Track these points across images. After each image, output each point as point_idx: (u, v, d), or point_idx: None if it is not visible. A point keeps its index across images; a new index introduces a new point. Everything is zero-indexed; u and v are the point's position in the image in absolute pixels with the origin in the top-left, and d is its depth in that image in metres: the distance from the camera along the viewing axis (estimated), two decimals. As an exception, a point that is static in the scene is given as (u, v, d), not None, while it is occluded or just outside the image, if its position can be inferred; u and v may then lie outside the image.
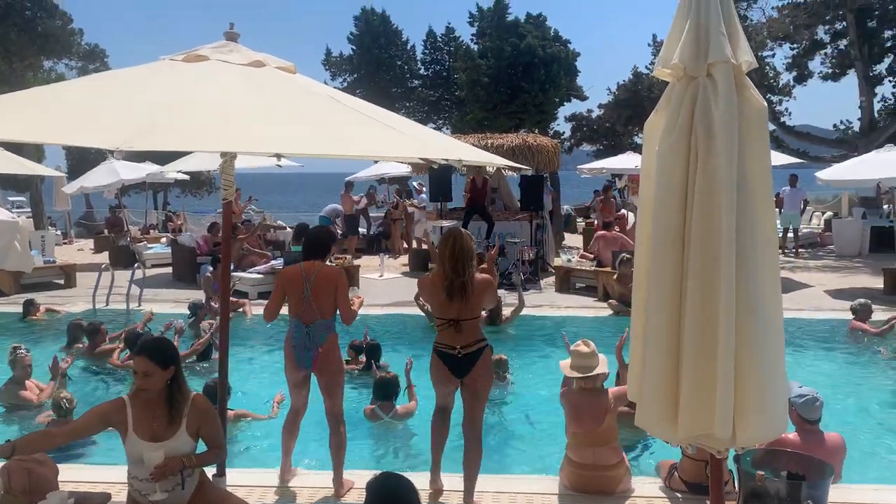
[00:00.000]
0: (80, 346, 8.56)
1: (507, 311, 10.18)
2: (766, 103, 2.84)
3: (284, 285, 4.83)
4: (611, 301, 11.11)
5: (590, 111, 32.79)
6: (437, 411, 4.86)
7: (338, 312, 4.85)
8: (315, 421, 5.44)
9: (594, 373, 4.94)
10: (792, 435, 4.53)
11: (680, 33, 2.84)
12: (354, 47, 33.18)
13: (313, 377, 4.95)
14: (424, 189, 18.57)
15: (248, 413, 6.43)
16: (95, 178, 18.46)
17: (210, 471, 4.12)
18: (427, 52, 33.63)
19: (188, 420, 3.61)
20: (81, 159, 29.86)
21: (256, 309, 11.08)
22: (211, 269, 11.77)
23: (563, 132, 32.12)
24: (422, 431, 6.23)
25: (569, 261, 13.53)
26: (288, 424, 5.06)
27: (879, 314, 9.76)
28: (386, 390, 6.48)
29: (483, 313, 5.00)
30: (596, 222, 19.32)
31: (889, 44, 23.81)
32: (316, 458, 5.47)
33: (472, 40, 31.12)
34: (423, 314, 10.17)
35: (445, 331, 4.59)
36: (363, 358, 7.88)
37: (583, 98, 31.24)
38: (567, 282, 13.07)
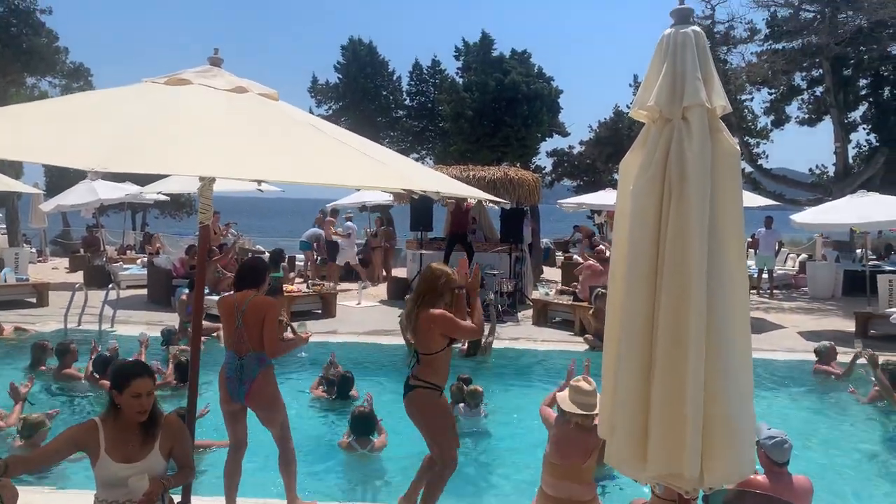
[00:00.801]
0: (44, 368, 8.41)
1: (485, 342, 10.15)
2: (738, 147, 2.90)
3: (221, 315, 4.81)
4: (587, 336, 11.16)
5: (571, 147, 33.20)
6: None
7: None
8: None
9: (594, 412, 4.88)
10: (761, 477, 4.53)
11: (657, 76, 2.90)
12: (341, 76, 33.38)
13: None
14: (353, 217, 18.67)
15: (211, 443, 6.30)
16: (74, 197, 18.29)
17: (175, 496, 4.04)
18: (413, 83, 33.92)
19: (161, 440, 3.57)
20: (60, 177, 29.57)
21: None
22: (186, 291, 11.66)
23: (545, 167, 32.45)
24: (395, 463, 6.19)
25: (547, 294, 13.58)
26: (229, 464, 4.83)
27: (846, 356, 9.87)
28: (364, 425, 6.43)
29: (462, 346, 4.99)
30: (575, 257, 19.44)
31: (863, 92, 24.43)
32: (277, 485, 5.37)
33: (457, 74, 31.49)
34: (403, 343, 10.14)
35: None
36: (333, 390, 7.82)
37: (564, 134, 31.62)
38: (544, 315, 13.09)
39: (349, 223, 18.37)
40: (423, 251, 14.58)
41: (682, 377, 2.69)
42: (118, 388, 3.52)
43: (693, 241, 2.69)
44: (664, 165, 2.82)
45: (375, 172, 3.72)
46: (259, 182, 4.89)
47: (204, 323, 8.70)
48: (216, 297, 12.19)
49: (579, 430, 4.85)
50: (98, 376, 7.97)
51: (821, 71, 23.00)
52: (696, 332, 2.66)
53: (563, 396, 5.01)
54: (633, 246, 2.87)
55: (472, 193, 4.49)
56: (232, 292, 4.98)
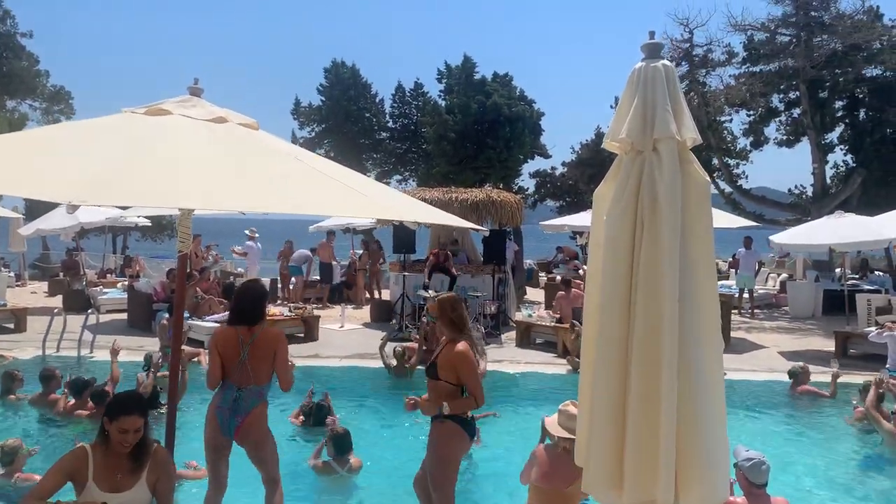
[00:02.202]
0: (13, 397, 8.32)
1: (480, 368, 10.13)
2: (707, 178, 2.97)
3: (220, 347, 4.60)
4: (569, 357, 11.20)
5: (553, 168, 33.42)
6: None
7: (274, 378, 4.67)
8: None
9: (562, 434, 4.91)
10: (740, 499, 4.58)
11: (628, 108, 2.97)
12: (324, 98, 33.50)
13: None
14: (257, 236, 18.65)
15: (185, 474, 6.20)
16: (53, 221, 18.17)
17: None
18: (395, 105, 34.11)
19: (148, 471, 3.57)
20: (39, 201, 29.37)
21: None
22: (167, 316, 11.60)
23: (528, 188, 32.66)
24: (371, 484, 6.18)
25: (530, 315, 13.64)
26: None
27: (824, 377, 9.97)
28: (343, 445, 6.40)
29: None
30: (558, 278, 19.53)
31: (840, 114, 24.88)
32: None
33: (439, 96, 31.73)
34: (383, 366, 10.15)
35: None
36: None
37: (546, 156, 31.89)
38: (527, 337, 13.13)
39: (250, 243, 18.33)
40: (406, 273, 14.59)
41: (655, 403, 2.74)
42: (109, 416, 3.52)
43: (665, 268, 2.75)
44: (636, 195, 2.88)
45: (358, 203, 3.76)
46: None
47: (186, 348, 8.70)
48: (197, 322, 12.26)
49: (565, 455, 4.86)
50: (73, 403, 7.89)
51: (797, 93, 23.41)
52: (668, 357, 2.71)
53: (552, 421, 5.03)
54: (607, 274, 2.92)
55: (452, 222, 4.53)
56: (226, 324, 4.81)
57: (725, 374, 3.10)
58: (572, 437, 4.79)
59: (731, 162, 26.99)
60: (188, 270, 15.17)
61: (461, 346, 4.66)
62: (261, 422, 4.61)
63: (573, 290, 13.05)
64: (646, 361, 2.77)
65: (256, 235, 18.60)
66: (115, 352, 7.93)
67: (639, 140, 2.92)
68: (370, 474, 6.42)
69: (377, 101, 34.05)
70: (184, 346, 9.71)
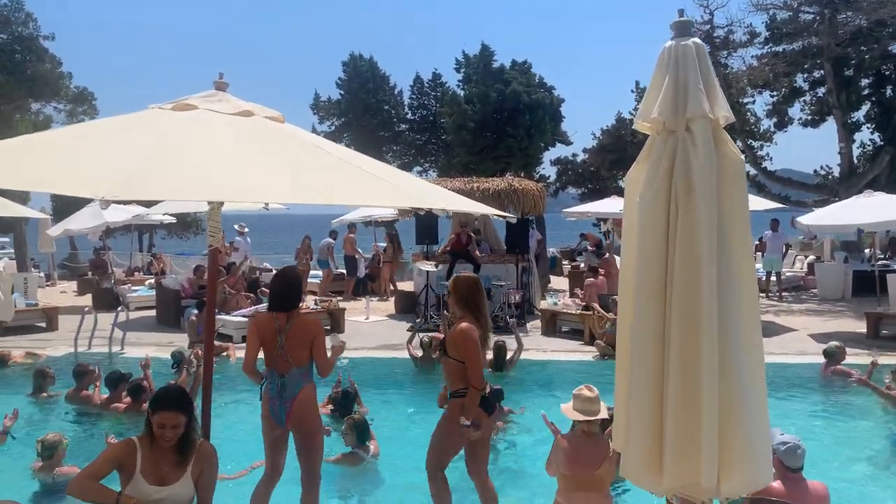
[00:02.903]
0: (45, 394, 8.43)
1: (510, 357, 10.08)
2: (742, 156, 2.91)
3: (258, 333, 4.64)
4: (598, 342, 11.09)
5: (574, 155, 33.21)
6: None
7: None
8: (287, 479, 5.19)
9: (597, 417, 4.91)
10: (776, 483, 4.51)
11: (659, 88, 2.92)
12: (343, 92, 33.54)
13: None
14: (246, 230, 18.63)
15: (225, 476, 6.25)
16: (80, 221, 18.38)
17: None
18: (414, 97, 34.06)
19: (193, 465, 3.63)
20: (67, 201, 29.73)
21: (241, 352, 10.95)
22: (195, 312, 11.70)
23: (549, 176, 32.47)
24: (399, 472, 6.21)
25: (555, 304, 13.57)
26: (259, 493, 4.69)
27: (863, 358, 9.81)
28: (363, 432, 6.46)
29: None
30: (582, 266, 19.42)
31: (866, 91, 24.40)
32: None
33: (458, 86, 31.61)
34: (409, 358, 10.16)
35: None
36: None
37: (567, 143, 31.67)
38: (553, 325, 13.07)
39: (239, 239, 18.32)
40: (428, 264, 14.57)
41: (696, 387, 2.69)
42: (151, 410, 3.57)
43: (702, 251, 2.70)
44: (670, 177, 2.83)
45: (385, 192, 3.75)
46: (266, 202, 4.84)
47: (216, 343, 8.76)
48: (225, 316, 12.36)
49: (587, 439, 4.87)
50: (107, 397, 7.99)
51: (822, 72, 23.00)
52: (708, 340, 2.66)
53: (567, 407, 5.03)
54: (642, 258, 2.88)
55: (478, 209, 4.50)
56: (263, 310, 4.89)
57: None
58: (590, 419, 4.82)
59: (755, 144, 26.61)
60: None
61: (464, 324, 4.70)
62: (311, 404, 4.62)
63: (601, 277, 12.97)
64: (685, 344, 2.73)
65: (246, 230, 18.65)
66: (146, 366, 7.96)
67: (671, 120, 2.87)
68: (399, 461, 6.44)
69: (396, 92, 34.02)
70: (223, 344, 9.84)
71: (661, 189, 2.83)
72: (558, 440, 5.00)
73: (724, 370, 2.68)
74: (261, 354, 4.74)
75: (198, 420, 3.81)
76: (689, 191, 2.76)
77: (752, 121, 27.12)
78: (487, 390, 4.67)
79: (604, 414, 4.95)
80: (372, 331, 13.24)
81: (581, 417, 4.89)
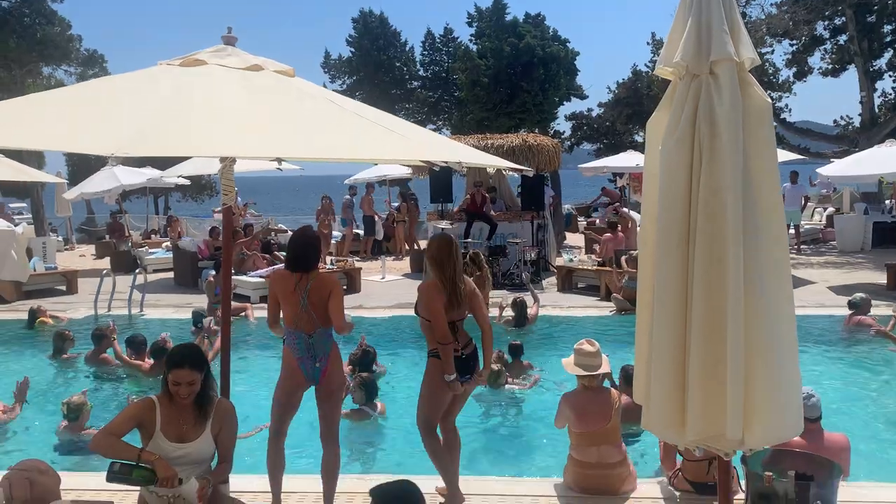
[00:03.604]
0: (66, 356, 8.51)
1: (532, 312, 10.13)
2: (769, 100, 2.81)
3: (277, 290, 4.62)
4: (615, 296, 11.00)
5: (590, 110, 32.77)
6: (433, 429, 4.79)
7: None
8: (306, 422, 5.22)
9: (598, 371, 4.93)
10: (795, 437, 4.48)
11: (682, 31, 2.81)
12: (353, 49, 33.17)
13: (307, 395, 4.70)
14: (236, 190, 18.52)
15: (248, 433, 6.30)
16: (96, 184, 18.44)
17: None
18: (426, 53, 33.63)
19: (212, 422, 3.66)
20: (82, 165, 29.86)
21: (258, 312, 11.05)
22: (213, 273, 11.76)
23: (564, 131, 32.14)
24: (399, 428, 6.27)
25: (570, 260, 13.50)
26: (272, 454, 4.62)
27: (882, 310, 9.71)
28: (372, 390, 6.64)
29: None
30: (597, 222, 19.30)
31: (888, 38, 23.75)
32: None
33: (470, 41, 31.10)
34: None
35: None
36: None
37: (583, 97, 31.19)
38: (569, 281, 13.06)
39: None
40: (444, 223, 14.52)
41: (720, 337, 2.65)
42: (167, 368, 3.58)
43: (727, 198, 2.62)
44: (693, 123, 2.75)
45: (398, 146, 3.69)
46: (279, 160, 4.75)
47: (233, 303, 8.81)
48: (243, 277, 12.42)
49: (590, 394, 4.89)
50: (133, 356, 8.07)
51: (843, 19, 22.38)
52: (733, 290, 2.60)
53: (568, 361, 5.05)
54: (665, 207, 2.81)
55: (493, 162, 4.42)
56: (282, 267, 4.87)
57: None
58: (589, 373, 4.82)
59: (774, 95, 26.10)
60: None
61: (423, 283, 4.72)
62: (339, 362, 4.66)
63: (618, 234, 12.88)
64: (709, 295, 2.67)
65: (236, 190, 18.65)
66: (165, 340, 7.92)
67: (694, 63, 2.76)
68: (409, 419, 6.50)
69: (407, 49, 33.61)
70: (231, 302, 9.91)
71: (685, 136, 2.74)
72: (563, 396, 5.02)
73: (749, 319, 2.63)
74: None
75: (215, 378, 3.81)
76: (713, 137, 2.67)
77: (770, 71, 26.55)
78: (462, 352, 4.61)
79: (605, 368, 4.96)
80: (387, 290, 13.27)
81: (581, 373, 4.90)
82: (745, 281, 2.62)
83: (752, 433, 2.69)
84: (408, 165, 16.45)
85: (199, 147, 3.29)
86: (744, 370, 2.63)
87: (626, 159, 18.86)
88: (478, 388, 6.26)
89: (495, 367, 7.15)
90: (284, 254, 11.27)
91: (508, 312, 10.19)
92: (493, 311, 10.41)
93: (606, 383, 5.21)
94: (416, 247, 18.26)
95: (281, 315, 4.67)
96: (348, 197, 18.89)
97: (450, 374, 4.54)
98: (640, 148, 23.39)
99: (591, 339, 5.11)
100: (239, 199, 17.47)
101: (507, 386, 7.26)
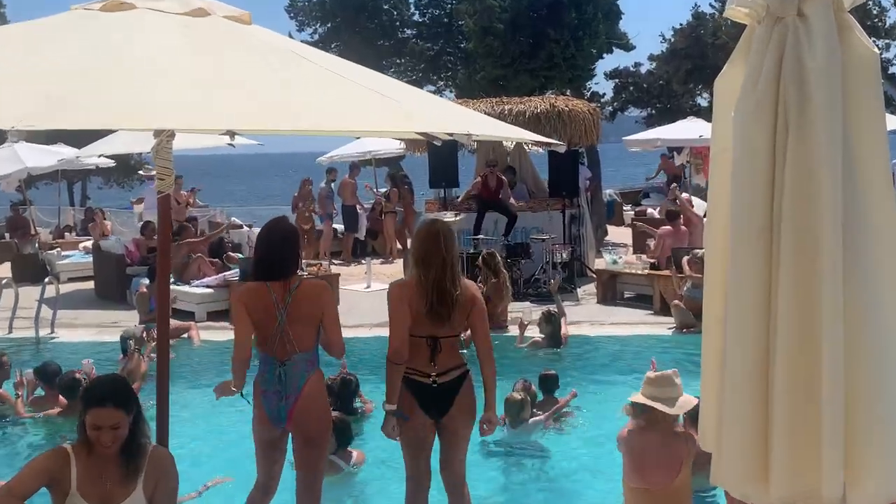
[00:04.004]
0: None
1: (563, 331, 10.21)
2: (876, 50, 2.80)
3: (252, 309, 4.61)
4: (675, 304, 10.90)
5: (638, 65, 32.85)
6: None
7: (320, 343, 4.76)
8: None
9: (675, 409, 4.82)
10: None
11: (760, -41, 2.81)
12: (327, -12, 33.24)
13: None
14: (154, 174, 18.56)
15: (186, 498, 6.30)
16: (-10, 167, 18.52)
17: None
18: (423, -9, 33.71)
19: (145, 478, 3.65)
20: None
21: (205, 334, 11.08)
22: (145, 282, 11.78)
23: (604, 93, 32.17)
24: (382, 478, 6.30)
25: (614, 262, 13.51)
26: None
27: None
28: (345, 435, 6.49)
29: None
30: (649, 211, 19.30)
31: None
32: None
33: (481, -25, 31.16)
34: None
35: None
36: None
37: (628, 48, 31.14)
38: (612, 289, 13.08)
39: (151, 185, 18.27)
40: (447, 214, 14.50)
41: (813, 367, 2.64)
42: (84, 406, 3.58)
43: (822, 180, 2.61)
44: (776, 80, 2.74)
45: (387, 114, 3.70)
46: (231, 134, 4.77)
47: (173, 322, 8.82)
48: (185, 288, 12.45)
49: (656, 437, 4.81)
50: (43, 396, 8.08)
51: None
52: (831, 304, 2.59)
53: (637, 396, 4.97)
54: (739, 192, 2.81)
55: (514, 135, 4.43)
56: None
57: None
58: (665, 409, 4.73)
59: (880, 44, 26.09)
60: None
61: (397, 280, 4.93)
62: (319, 398, 4.71)
63: (669, 230, 12.88)
64: (798, 310, 2.66)
65: (153, 173, 18.70)
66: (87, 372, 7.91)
67: (777, 3, 2.76)
68: (397, 468, 6.52)
69: (398, -13, 33.67)
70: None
71: (766, 97, 2.73)
72: (621, 435, 4.98)
73: (852, 339, 2.61)
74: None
75: (147, 420, 3.80)
76: (803, 100, 2.66)
77: (875, 12, 26.55)
78: (434, 380, 4.61)
79: (684, 405, 4.87)
80: (374, 303, 13.26)
81: (647, 401, 4.81)
82: (846, 290, 2.60)
83: (860, 489, 2.68)
84: (400, 139, 16.46)
85: (125, 118, 3.29)
86: (847, 406, 2.62)
87: (686, 129, 18.93)
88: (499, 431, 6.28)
89: (518, 396, 7.16)
90: (240, 256, 11.37)
91: (532, 332, 10.21)
92: (513, 330, 10.45)
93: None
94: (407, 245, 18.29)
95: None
96: (324, 185, 18.79)
97: (389, 404, 4.59)
98: (704, 114, 23.40)
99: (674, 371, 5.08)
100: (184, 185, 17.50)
101: (531, 420, 7.24)
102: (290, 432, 4.69)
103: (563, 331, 10.12)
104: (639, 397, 4.90)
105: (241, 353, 4.67)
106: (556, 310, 10.19)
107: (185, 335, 11.03)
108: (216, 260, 13.90)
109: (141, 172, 18.51)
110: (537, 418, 7.27)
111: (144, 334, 9.22)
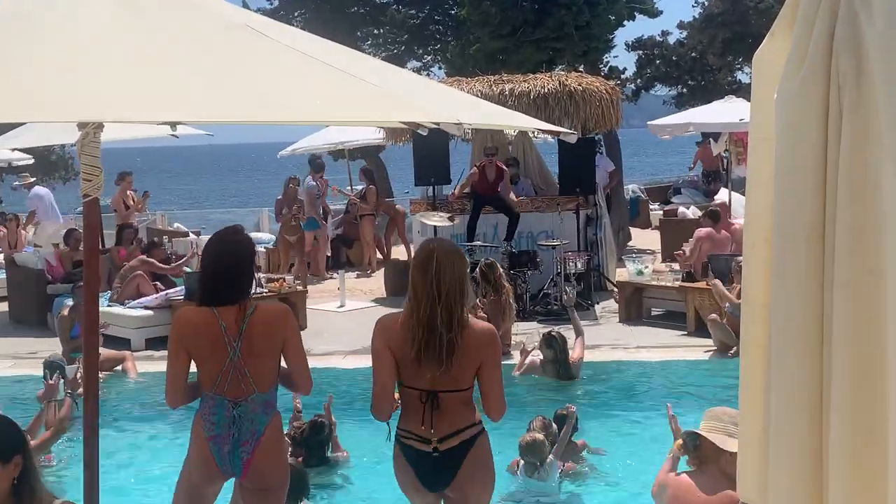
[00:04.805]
0: None
1: (575, 354, 10.09)
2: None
3: (191, 339, 4.62)
4: (713, 320, 10.91)
5: (665, 33, 32.95)
6: None
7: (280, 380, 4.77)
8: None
9: (730, 444, 4.84)
10: None
11: None
12: (290, -54, 33.30)
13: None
14: (32, 180, 18.71)
15: None
16: None
17: None
18: (404, -53, 33.81)
19: None
20: None
21: (143, 365, 11.05)
22: (69, 302, 11.74)
23: (625, 68, 32.23)
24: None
25: (639, 272, 13.52)
26: None
27: None
28: (300, 486, 6.41)
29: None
30: (681, 210, 19.35)
31: None
32: None
33: (475, -73, 31.28)
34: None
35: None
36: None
37: (653, 14, 31.26)
38: (637, 305, 13.14)
39: (39, 190, 18.37)
40: (435, 217, 14.46)
41: (877, 393, 2.65)
42: None
43: (884, 174, 2.63)
44: (828, 55, 2.76)
45: (363, 99, 3.70)
46: (172, 125, 4.76)
47: (103, 351, 8.80)
48: (118, 309, 12.41)
49: (710, 480, 4.83)
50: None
51: None
52: None
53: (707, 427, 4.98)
54: (784, 191, 2.83)
55: (516, 122, 4.44)
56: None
57: None
58: (731, 449, 4.76)
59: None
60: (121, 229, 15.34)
61: (387, 315, 4.72)
62: (279, 448, 4.73)
63: (709, 233, 12.90)
64: (857, 333, 2.67)
65: (32, 180, 18.69)
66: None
67: (829, -38, 2.79)
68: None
69: (374, -58, 33.76)
70: (100, 349, 9.84)
71: (815, 76, 2.74)
72: (663, 480, 5.00)
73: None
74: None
75: (35, 467, 3.74)
76: (860, 75, 2.68)
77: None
78: (436, 447, 4.49)
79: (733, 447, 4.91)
80: (349, 325, 13.27)
81: (717, 434, 4.80)
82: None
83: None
84: (378, 126, 16.47)
85: (40, 108, 3.30)
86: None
87: (724, 111, 18.92)
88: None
89: (537, 436, 7.14)
90: (187, 270, 11.36)
91: (534, 355, 10.18)
92: (515, 356, 10.42)
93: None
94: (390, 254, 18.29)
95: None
96: (313, 183, 18.53)
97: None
98: (745, 93, 23.46)
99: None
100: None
101: (550, 461, 7.24)
102: (244, 483, 4.68)
103: (575, 355, 10.01)
104: (705, 432, 4.92)
105: (172, 395, 4.68)
106: (556, 332, 10.03)
107: (119, 368, 10.99)
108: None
109: (16, 183, 18.45)
110: (549, 458, 7.29)
111: (78, 371, 8.94)
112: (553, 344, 9.87)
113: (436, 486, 4.54)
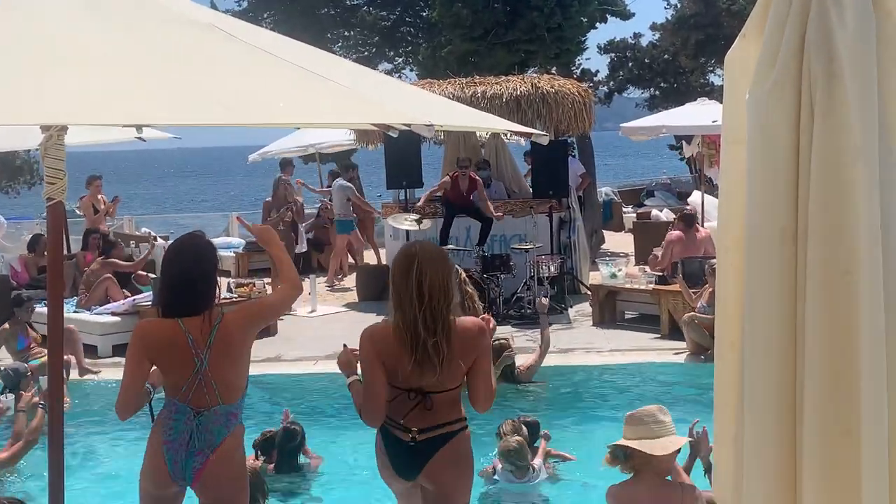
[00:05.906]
0: None
1: (523, 361, 10.10)
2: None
3: (155, 351, 4.57)
4: (688, 320, 10.91)
5: (638, 36, 33.10)
6: None
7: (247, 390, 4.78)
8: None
9: (668, 451, 4.88)
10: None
11: None
12: (259, -54, 33.22)
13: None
14: None
15: None
16: None
17: None
18: (375, -51, 33.79)
19: None
20: None
21: (111, 372, 10.97)
22: (41, 309, 11.62)
23: (597, 71, 32.35)
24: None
25: (613, 275, 13.55)
26: None
27: None
28: (255, 489, 6.41)
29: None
30: (654, 213, 19.43)
31: None
32: None
33: (446, -72, 31.31)
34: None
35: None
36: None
37: (626, 15, 31.37)
38: (611, 309, 13.17)
39: None
40: (407, 221, 14.45)
41: (850, 394, 2.65)
42: None
43: (856, 176, 2.64)
44: (800, 56, 2.77)
45: (334, 101, 3.70)
46: (138, 127, 4.71)
47: (67, 358, 8.72)
48: (85, 315, 12.32)
49: (650, 489, 4.86)
50: None
51: None
52: (869, 325, 2.61)
53: (619, 443, 5.02)
54: (756, 193, 2.83)
55: (488, 125, 4.45)
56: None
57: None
58: (656, 452, 4.78)
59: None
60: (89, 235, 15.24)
61: (372, 326, 4.71)
62: (235, 459, 4.65)
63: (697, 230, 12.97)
64: (829, 334, 2.68)
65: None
66: None
67: (801, -37, 2.80)
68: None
69: (345, -57, 33.72)
70: (65, 356, 9.75)
71: (787, 77, 2.75)
72: (608, 497, 5.02)
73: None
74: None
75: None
76: (831, 77, 2.69)
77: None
78: (413, 437, 4.49)
79: (676, 443, 4.93)
80: (320, 331, 13.24)
81: (634, 445, 4.85)
82: (888, 307, 2.63)
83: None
84: (349, 129, 16.45)
85: (6, 109, 3.28)
86: (891, 450, 2.65)
87: (697, 113, 19.03)
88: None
89: (518, 439, 7.17)
90: (154, 277, 11.31)
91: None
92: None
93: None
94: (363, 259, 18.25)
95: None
96: (348, 184, 18.26)
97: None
98: (718, 95, 23.58)
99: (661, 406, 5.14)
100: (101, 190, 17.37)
101: (538, 464, 7.28)
102: (195, 492, 4.65)
103: (527, 361, 10.03)
104: (624, 441, 4.95)
105: (123, 407, 4.61)
106: (498, 341, 9.94)
107: (86, 376, 10.90)
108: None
109: None
110: (536, 461, 7.33)
111: (34, 389, 8.75)
112: (497, 353, 9.79)
113: (408, 473, 4.52)
